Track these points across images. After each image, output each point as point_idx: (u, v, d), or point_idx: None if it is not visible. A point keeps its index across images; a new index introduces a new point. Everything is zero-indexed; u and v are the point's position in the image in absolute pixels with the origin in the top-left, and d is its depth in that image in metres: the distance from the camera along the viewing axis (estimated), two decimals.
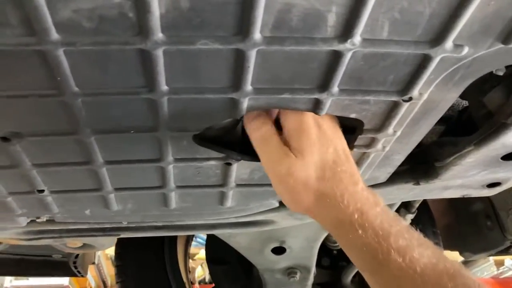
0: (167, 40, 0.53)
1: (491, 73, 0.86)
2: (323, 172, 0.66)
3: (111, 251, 1.68)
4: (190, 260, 4.60)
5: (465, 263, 3.56)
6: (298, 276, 1.43)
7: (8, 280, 4.53)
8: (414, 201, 1.34)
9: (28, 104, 0.63)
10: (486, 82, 0.85)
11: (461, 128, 1.02)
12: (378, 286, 0.63)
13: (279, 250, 1.35)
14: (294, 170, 0.66)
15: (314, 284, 1.63)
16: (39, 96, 0.61)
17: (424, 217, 1.71)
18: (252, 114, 0.69)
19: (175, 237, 1.68)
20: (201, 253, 4.46)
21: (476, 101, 0.90)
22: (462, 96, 0.98)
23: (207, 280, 4.52)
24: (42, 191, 0.85)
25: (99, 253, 4.12)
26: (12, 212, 0.92)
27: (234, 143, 0.81)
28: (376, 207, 0.65)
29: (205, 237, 1.77)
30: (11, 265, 1.60)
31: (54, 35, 0.51)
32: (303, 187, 0.66)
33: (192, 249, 4.63)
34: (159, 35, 0.52)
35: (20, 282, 4.60)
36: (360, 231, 0.62)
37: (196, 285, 4.45)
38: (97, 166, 0.79)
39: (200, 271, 4.69)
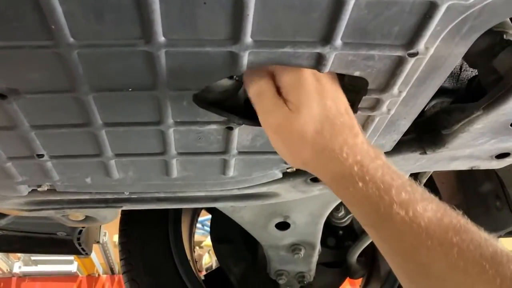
0: None
1: (501, 36, 0.84)
2: (321, 125, 0.64)
3: None
4: (197, 247, 4.62)
5: None
6: (302, 253, 1.41)
7: (17, 266, 4.58)
8: (421, 176, 1.31)
9: (23, 57, 0.62)
10: (496, 45, 0.83)
11: (470, 99, 1.00)
12: (383, 242, 0.62)
13: (283, 226, 1.33)
14: (290, 122, 0.64)
15: (319, 264, 1.62)
16: (34, 47, 0.59)
17: None
18: (251, 70, 0.67)
19: (179, 214, 1.67)
20: (208, 241, 4.46)
21: (485, 67, 0.88)
22: (471, 64, 0.96)
23: (214, 267, 4.52)
24: (42, 155, 0.84)
25: (106, 239, 4.14)
26: (12, 179, 0.91)
27: (236, 108, 0.80)
28: (377, 160, 0.63)
29: None
30: (15, 242, 1.61)
31: None
32: (299, 139, 0.65)
33: (199, 237, 4.66)
34: None
35: (29, 268, 4.65)
36: (360, 184, 0.60)
37: (203, 272, 4.46)
38: (96, 128, 0.78)
39: (207, 258, 4.70)
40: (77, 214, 1.16)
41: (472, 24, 0.61)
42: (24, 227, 1.58)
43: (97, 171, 0.92)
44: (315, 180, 1.04)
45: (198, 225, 3.91)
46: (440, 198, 1.73)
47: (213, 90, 0.76)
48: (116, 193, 1.03)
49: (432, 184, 1.81)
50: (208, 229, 3.98)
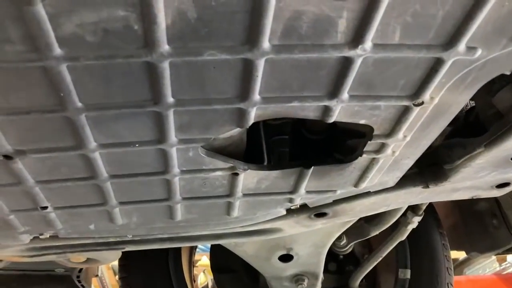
0: (173, 52, 0.51)
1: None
2: None
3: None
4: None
5: (468, 260, 3.54)
6: (306, 283, 1.41)
7: None
8: (422, 203, 1.32)
9: (30, 121, 0.61)
10: (495, 82, 0.84)
11: (468, 129, 1.01)
12: None
13: (286, 258, 1.33)
14: None
15: None
16: (41, 112, 0.59)
17: (430, 218, 1.69)
18: None
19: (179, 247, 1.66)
20: (203, 260, 4.41)
21: (484, 102, 0.89)
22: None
23: (209, 287, 4.48)
24: (46, 207, 0.83)
25: None
26: (14, 229, 0.90)
27: (239, 152, 0.80)
28: None
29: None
30: (13, 281, 1.58)
31: (57, 50, 0.49)
32: None
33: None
34: (165, 47, 0.51)
35: None
36: None
37: None
38: (101, 181, 0.77)
39: (203, 277, 4.65)
40: (78, 257, 1.14)
41: (476, 75, 0.62)
42: (21, 265, 1.56)
43: (101, 218, 0.91)
44: (319, 215, 1.04)
45: None
46: (438, 218, 1.72)
47: (218, 138, 0.76)
48: (119, 236, 1.02)
49: (429, 204, 1.81)
50: (202, 247, 3.94)
